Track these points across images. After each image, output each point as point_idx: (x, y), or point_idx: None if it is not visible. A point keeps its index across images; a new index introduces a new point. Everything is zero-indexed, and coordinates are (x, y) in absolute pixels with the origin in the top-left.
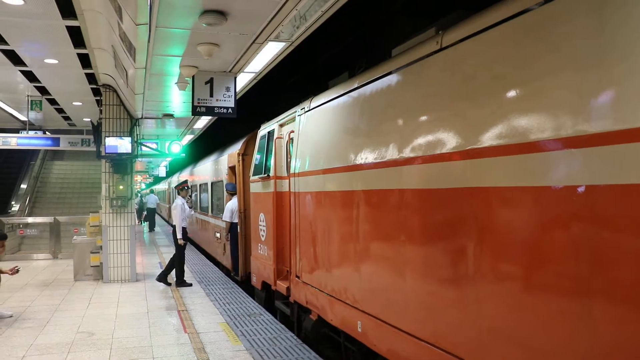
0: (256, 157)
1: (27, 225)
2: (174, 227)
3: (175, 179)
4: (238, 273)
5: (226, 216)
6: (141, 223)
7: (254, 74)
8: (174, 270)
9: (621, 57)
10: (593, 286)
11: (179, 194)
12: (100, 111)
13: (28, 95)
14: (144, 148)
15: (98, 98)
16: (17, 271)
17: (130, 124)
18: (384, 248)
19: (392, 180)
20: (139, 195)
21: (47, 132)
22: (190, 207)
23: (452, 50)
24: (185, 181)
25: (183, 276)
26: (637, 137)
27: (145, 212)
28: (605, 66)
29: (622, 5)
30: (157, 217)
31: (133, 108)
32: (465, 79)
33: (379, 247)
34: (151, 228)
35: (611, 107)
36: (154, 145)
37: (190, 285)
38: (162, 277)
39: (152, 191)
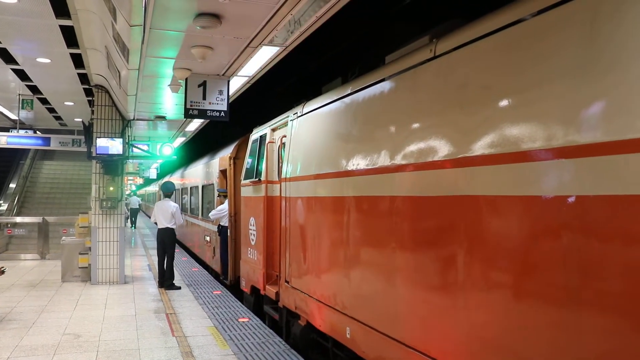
0: (248, 161)
1: (15, 225)
2: (170, 229)
3: (172, 181)
4: (227, 277)
5: (212, 214)
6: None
7: (247, 78)
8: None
9: (611, 68)
10: (582, 296)
11: (169, 197)
12: (92, 112)
13: (19, 94)
14: (135, 150)
15: (90, 98)
16: (3, 272)
17: (122, 125)
18: (374, 255)
19: (384, 187)
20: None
21: (37, 132)
22: None
23: (445, 59)
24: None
25: (173, 279)
26: (627, 149)
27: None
28: (596, 77)
29: (612, 16)
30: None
31: (125, 109)
32: (458, 87)
33: (370, 254)
34: (133, 226)
35: (602, 118)
36: (145, 147)
37: (179, 288)
38: (170, 284)
39: (134, 193)
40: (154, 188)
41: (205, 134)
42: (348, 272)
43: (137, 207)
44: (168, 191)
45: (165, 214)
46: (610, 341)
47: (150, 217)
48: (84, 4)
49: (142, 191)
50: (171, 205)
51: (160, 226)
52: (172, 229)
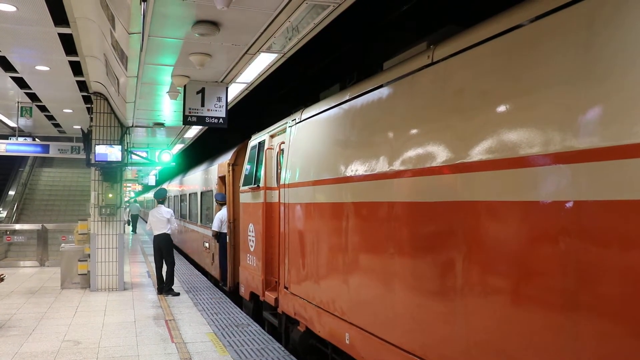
0: (246, 167)
1: (14, 232)
2: (166, 234)
3: (165, 188)
4: (226, 283)
5: (215, 226)
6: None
7: (245, 85)
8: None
9: (609, 74)
10: (580, 301)
11: (162, 203)
12: (91, 119)
13: (18, 102)
14: (134, 156)
15: (89, 106)
16: (2, 279)
17: (121, 132)
18: (372, 260)
19: (382, 193)
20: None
21: (36, 139)
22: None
23: (443, 65)
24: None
25: (172, 284)
26: (625, 154)
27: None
28: (594, 83)
29: (610, 22)
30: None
31: (124, 116)
32: (456, 93)
33: (368, 260)
34: (134, 230)
35: (599, 123)
36: (144, 154)
37: (178, 294)
38: (169, 290)
39: (135, 201)
40: (152, 195)
41: (203, 141)
42: (347, 277)
43: (137, 213)
44: (160, 197)
45: (160, 220)
46: (609, 347)
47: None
48: (82, 12)
49: (140, 198)
50: (165, 211)
51: (155, 233)
52: (168, 235)
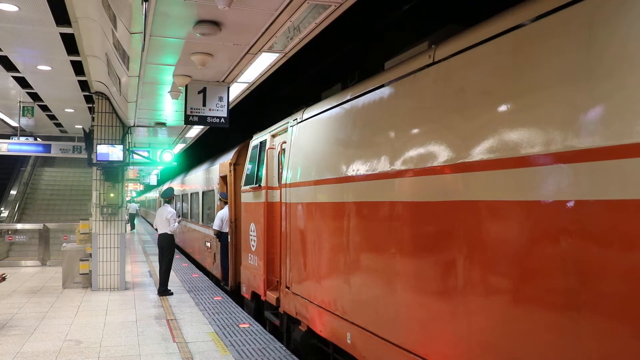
0: (248, 167)
1: (16, 231)
2: (168, 235)
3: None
4: (228, 283)
5: (216, 225)
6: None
7: (247, 84)
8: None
9: (610, 74)
10: (582, 300)
11: (169, 202)
12: (93, 118)
13: (20, 101)
14: (135, 156)
15: (90, 105)
16: (4, 279)
17: (122, 132)
18: (374, 260)
19: (383, 193)
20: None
21: (38, 139)
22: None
23: (444, 64)
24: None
25: (166, 285)
26: (626, 154)
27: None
28: (594, 82)
29: (611, 20)
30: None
31: (125, 116)
32: (457, 92)
33: (369, 259)
34: (132, 228)
35: (600, 123)
36: (145, 154)
37: (172, 293)
38: (164, 291)
39: (133, 200)
40: (154, 194)
41: (205, 140)
42: (348, 277)
43: (135, 212)
44: (167, 197)
45: (163, 219)
46: (610, 346)
47: (150, 222)
48: (84, 12)
49: (142, 197)
50: (167, 211)
51: (159, 232)
52: (171, 235)
